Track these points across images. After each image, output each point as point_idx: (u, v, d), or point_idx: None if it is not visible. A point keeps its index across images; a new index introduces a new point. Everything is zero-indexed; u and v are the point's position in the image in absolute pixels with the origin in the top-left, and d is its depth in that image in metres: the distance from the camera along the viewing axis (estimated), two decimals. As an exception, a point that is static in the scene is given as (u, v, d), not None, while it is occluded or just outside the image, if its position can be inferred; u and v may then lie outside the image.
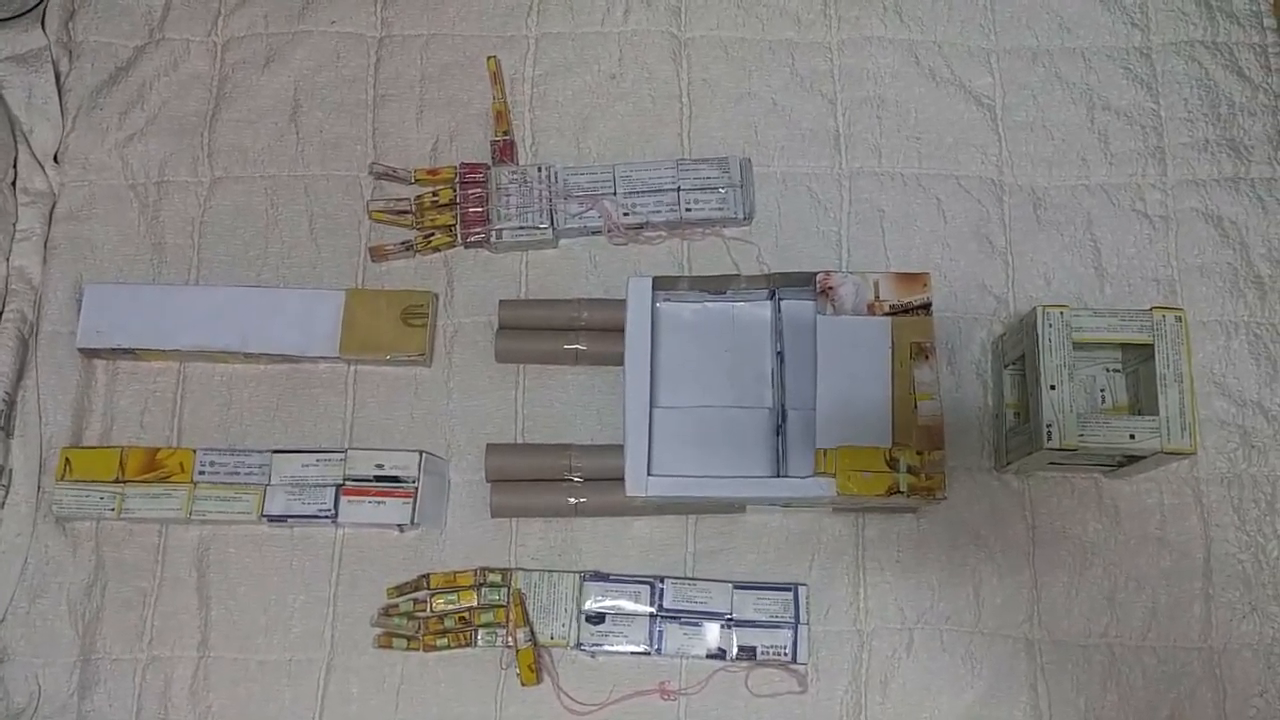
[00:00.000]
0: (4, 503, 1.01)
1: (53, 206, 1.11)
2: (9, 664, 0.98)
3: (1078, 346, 0.96)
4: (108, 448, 1.03)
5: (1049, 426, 0.93)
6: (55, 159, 1.13)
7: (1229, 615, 1.00)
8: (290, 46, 1.16)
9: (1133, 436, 0.93)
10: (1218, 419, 1.05)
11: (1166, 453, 0.93)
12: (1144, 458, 0.96)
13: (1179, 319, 0.96)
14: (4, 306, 1.06)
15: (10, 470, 1.02)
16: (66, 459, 1.01)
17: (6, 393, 1.03)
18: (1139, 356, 0.99)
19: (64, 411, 1.04)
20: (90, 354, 1.05)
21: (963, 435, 1.05)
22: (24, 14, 1.14)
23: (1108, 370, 1.03)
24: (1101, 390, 1.03)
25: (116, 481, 1.00)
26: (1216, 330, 1.08)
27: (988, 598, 1.01)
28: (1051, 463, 1.00)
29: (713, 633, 0.98)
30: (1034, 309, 0.97)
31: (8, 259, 1.07)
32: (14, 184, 1.10)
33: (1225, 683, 0.99)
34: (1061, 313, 0.96)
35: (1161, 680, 0.99)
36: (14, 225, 1.09)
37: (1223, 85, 1.15)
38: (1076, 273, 1.09)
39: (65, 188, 1.12)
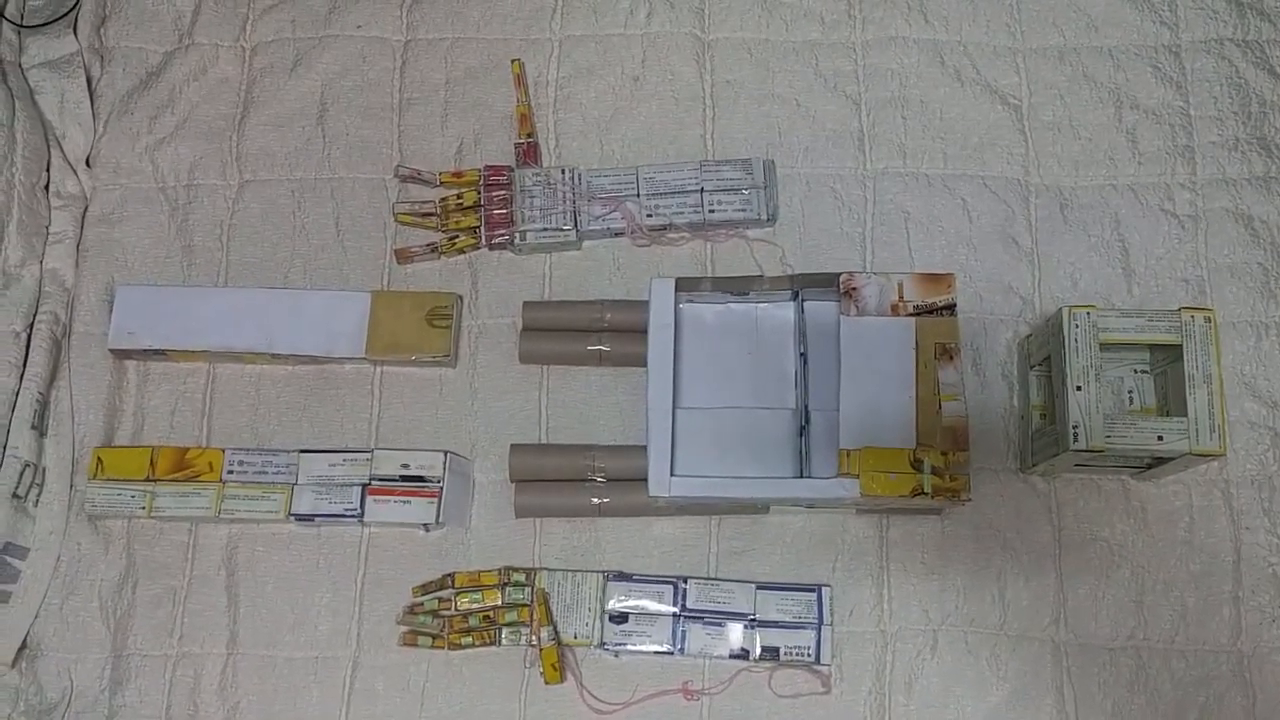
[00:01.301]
0: (38, 501, 1.03)
1: (85, 210, 1.13)
2: (42, 659, 1.00)
3: (1105, 347, 0.95)
4: (139, 447, 1.04)
5: (1075, 428, 0.93)
6: (87, 163, 1.15)
7: (1259, 619, 0.99)
8: (317, 51, 1.17)
9: (1160, 438, 0.93)
10: (1248, 420, 1.04)
11: (1195, 454, 0.93)
12: (1172, 459, 0.95)
13: (1208, 319, 0.95)
14: (38, 308, 1.07)
15: (44, 469, 1.04)
16: (98, 458, 1.03)
17: (40, 393, 1.04)
18: (1167, 357, 0.98)
19: (96, 411, 1.06)
20: (121, 355, 1.07)
21: (988, 436, 1.04)
22: (56, 20, 1.16)
23: (1135, 371, 1.02)
24: (1129, 391, 1.02)
25: (147, 480, 1.02)
26: (1247, 331, 1.06)
27: (1013, 600, 1.00)
28: (1078, 464, 0.99)
29: (736, 633, 0.98)
30: (1060, 309, 0.96)
31: (41, 261, 1.09)
32: (47, 188, 1.12)
33: (1255, 687, 0.97)
34: (1088, 313, 0.95)
35: (1190, 684, 0.98)
36: (47, 228, 1.11)
37: (1253, 83, 1.13)
38: (1104, 273, 1.09)
39: (97, 191, 1.14)
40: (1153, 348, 1.00)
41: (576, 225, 1.08)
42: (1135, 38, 1.16)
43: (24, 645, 1.00)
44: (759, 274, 1.08)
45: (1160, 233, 1.09)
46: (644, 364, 1.01)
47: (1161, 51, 1.15)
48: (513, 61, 1.15)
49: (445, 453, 1.01)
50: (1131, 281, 1.08)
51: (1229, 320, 1.06)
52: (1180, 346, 0.94)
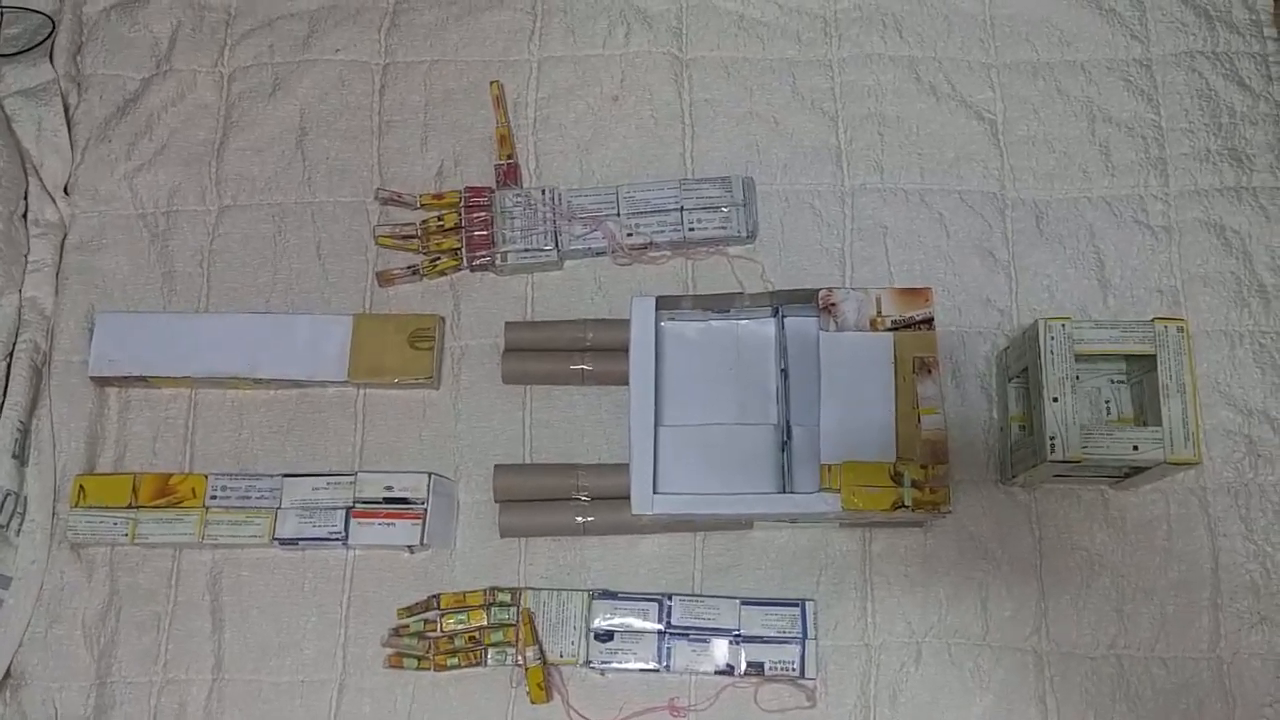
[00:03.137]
0: (20, 530, 1.03)
1: (64, 237, 1.13)
2: (26, 688, 1.00)
3: (1081, 358, 0.96)
4: (121, 474, 1.04)
5: (1052, 439, 0.93)
6: (65, 190, 1.14)
7: (1238, 625, 1.00)
8: (296, 75, 1.17)
9: (1136, 448, 0.94)
10: (1223, 428, 1.05)
11: (1171, 463, 0.94)
12: (1149, 468, 0.96)
13: (1181, 329, 0.96)
14: (17, 337, 1.07)
15: (25, 498, 1.03)
16: (80, 486, 1.02)
17: (21, 421, 1.04)
18: (1143, 368, 0.99)
19: (77, 439, 1.06)
20: (102, 382, 1.07)
21: (968, 449, 1.05)
22: (32, 48, 1.16)
23: (1112, 381, 1.03)
24: (1106, 402, 1.03)
25: (130, 507, 1.01)
26: (1221, 340, 1.08)
27: (995, 610, 1.01)
28: (1057, 475, 1.00)
29: (721, 649, 0.99)
30: (1036, 321, 0.97)
31: (20, 290, 1.09)
32: (25, 216, 1.11)
33: (1235, 693, 0.98)
34: (1063, 325, 0.96)
35: (1171, 691, 0.98)
36: (26, 256, 1.10)
37: (1224, 95, 1.15)
38: (1080, 285, 1.10)
39: (76, 218, 1.14)
40: (1128, 358, 1.01)
41: (558, 245, 1.09)
42: (1107, 51, 1.17)
43: (8, 674, 1.00)
44: (739, 291, 1.08)
45: (1134, 244, 1.11)
46: (626, 382, 1.01)
47: (1133, 65, 1.17)
48: (491, 83, 1.16)
49: (429, 474, 1.01)
50: (1107, 292, 1.09)
51: (1203, 329, 1.08)
52: (1154, 357, 0.96)
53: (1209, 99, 1.15)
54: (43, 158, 1.13)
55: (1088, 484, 1.04)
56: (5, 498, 1.01)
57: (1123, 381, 1.03)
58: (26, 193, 1.12)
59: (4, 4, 1.17)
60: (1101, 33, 1.18)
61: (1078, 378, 0.95)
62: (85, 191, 1.14)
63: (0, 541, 1.01)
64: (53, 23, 1.17)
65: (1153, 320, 0.97)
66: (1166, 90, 1.15)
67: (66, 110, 1.16)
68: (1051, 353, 0.96)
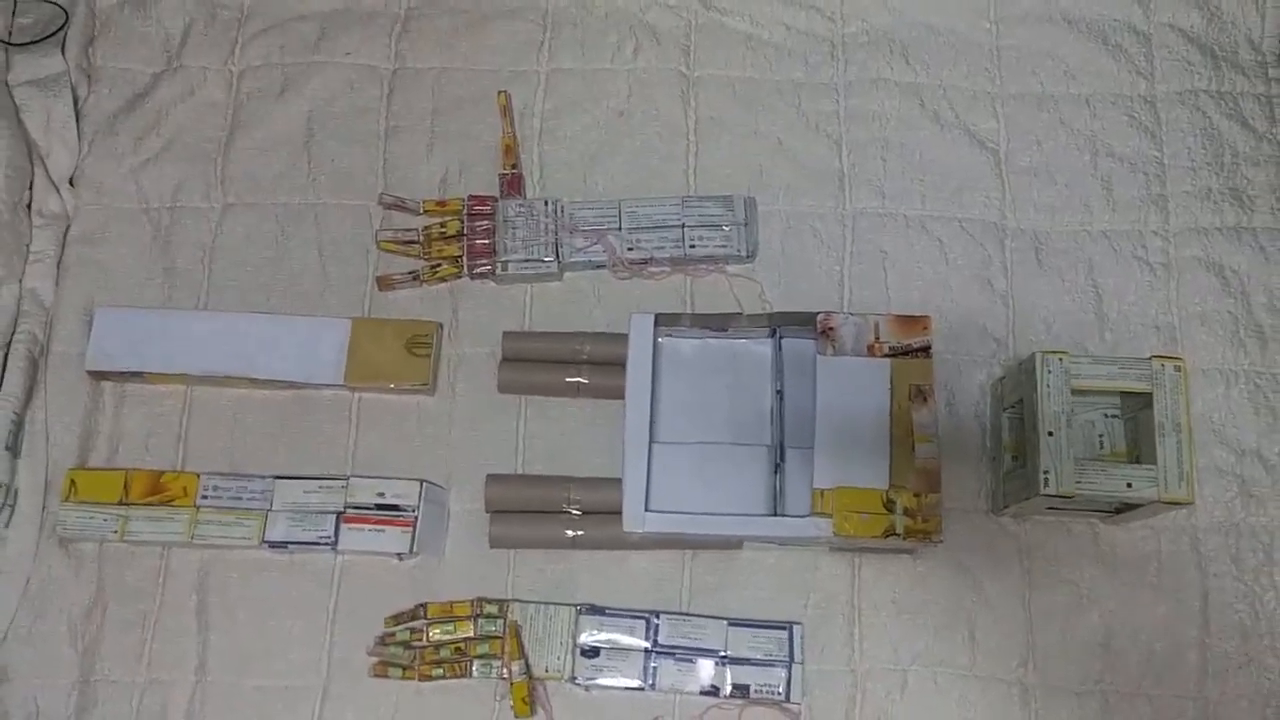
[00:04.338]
0: (9, 522, 1.02)
1: (66, 229, 1.13)
2: (8, 684, 0.99)
3: (1077, 392, 0.96)
4: (113, 470, 1.04)
5: (1046, 473, 0.94)
6: (70, 182, 1.14)
7: (1224, 665, 1.00)
8: (305, 76, 1.17)
9: (1130, 485, 0.94)
10: (1216, 467, 1.05)
11: (1163, 502, 0.94)
12: (1142, 505, 0.96)
13: (1178, 369, 0.96)
14: (15, 327, 1.07)
15: (16, 490, 1.03)
16: (71, 480, 1.02)
17: (15, 413, 1.04)
18: (1138, 403, 0.99)
19: (71, 433, 1.05)
20: (99, 376, 1.07)
21: (960, 477, 1.05)
22: (44, 39, 1.16)
23: (1106, 415, 1.03)
24: (1100, 435, 1.03)
25: (120, 504, 1.01)
26: (1216, 379, 1.08)
27: (982, 640, 1.01)
28: (1049, 507, 1.00)
29: (706, 669, 0.98)
30: (1033, 355, 0.97)
31: (20, 280, 1.09)
32: (29, 206, 1.11)
33: (1219, 733, 0.98)
34: (1061, 359, 0.96)
35: (1155, 729, 0.98)
36: (28, 247, 1.10)
37: (1226, 134, 1.15)
38: (1077, 318, 1.10)
39: (80, 211, 1.13)
40: (1124, 393, 1.01)
41: (558, 257, 1.09)
42: (1112, 87, 1.18)
43: (-10, 669, 1.00)
44: (738, 310, 1.09)
45: (1133, 279, 1.11)
46: (622, 396, 1.01)
47: (1137, 101, 1.17)
48: (499, 93, 1.16)
49: (421, 482, 1.01)
50: (1104, 327, 1.10)
51: (1199, 367, 1.08)
52: (1151, 394, 0.96)
53: (1212, 138, 1.15)
54: (50, 148, 1.13)
55: (1079, 518, 1.04)
56: (-4, 489, 1.01)
57: (1116, 416, 1.03)
58: (31, 183, 1.12)
59: (17, -5, 1.17)
60: (1107, 68, 1.18)
61: (1073, 411, 0.95)
62: (90, 184, 1.14)
63: (-12, 533, 1.01)
64: (66, 14, 1.18)
65: (1150, 358, 0.97)
66: (1170, 127, 1.16)
67: (76, 102, 1.16)
68: (1048, 386, 0.96)
